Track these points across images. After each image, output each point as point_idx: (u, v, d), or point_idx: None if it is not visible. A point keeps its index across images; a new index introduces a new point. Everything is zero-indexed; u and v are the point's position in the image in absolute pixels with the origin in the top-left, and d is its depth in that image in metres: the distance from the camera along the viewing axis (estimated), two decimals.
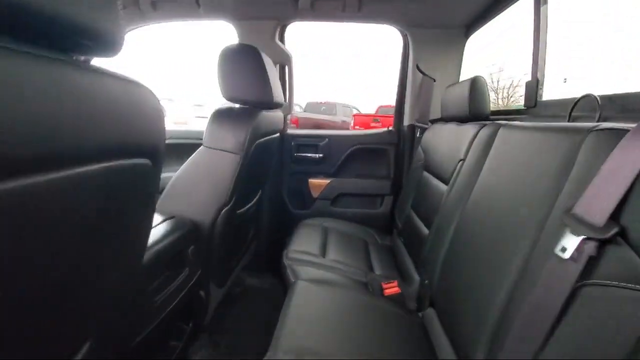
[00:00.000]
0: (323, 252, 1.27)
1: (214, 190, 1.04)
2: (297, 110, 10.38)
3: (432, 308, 0.96)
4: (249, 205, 1.31)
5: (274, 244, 1.77)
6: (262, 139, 1.17)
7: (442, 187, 1.11)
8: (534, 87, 1.09)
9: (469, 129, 1.04)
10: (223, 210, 1.04)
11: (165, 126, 0.54)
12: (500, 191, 0.75)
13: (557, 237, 0.50)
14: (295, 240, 1.35)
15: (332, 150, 1.80)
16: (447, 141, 1.21)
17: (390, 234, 1.63)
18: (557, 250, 0.48)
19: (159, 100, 0.50)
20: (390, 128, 1.80)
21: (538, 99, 1.08)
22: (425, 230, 1.17)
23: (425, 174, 1.34)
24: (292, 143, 1.79)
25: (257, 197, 1.43)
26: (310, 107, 10.21)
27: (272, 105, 1.16)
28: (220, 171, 1.03)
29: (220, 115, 1.05)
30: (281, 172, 1.79)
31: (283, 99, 1.30)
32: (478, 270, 0.73)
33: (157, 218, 0.97)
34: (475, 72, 1.68)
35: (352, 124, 9.02)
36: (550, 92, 1.08)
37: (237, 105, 1.13)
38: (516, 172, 0.72)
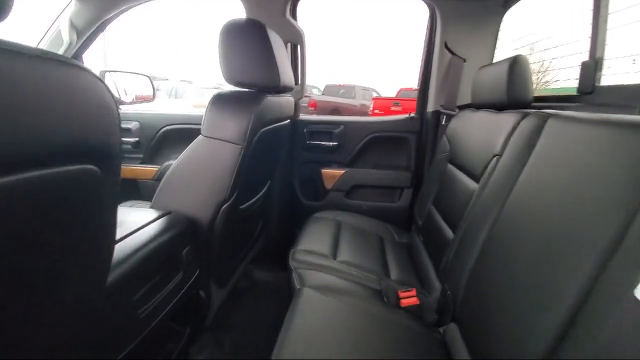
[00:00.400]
0: (334, 252, 1.16)
1: (213, 184, 0.94)
2: (316, 93, 10.17)
3: (454, 323, 0.84)
4: (255, 198, 1.21)
5: (284, 236, 1.68)
6: (269, 127, 1.05)
7: (471, 184, 0.97)
8: (591, 69, 0.91)
9: (507, 118, 0.88)
10: (223, 207, 0.94)
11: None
12: (549, 198, 0.61)
13: (635, 270, 0.36)
14: (305, 236, 1.25)
15: (348, 138, 1.66)
16: (479, 131, 1.05)
17: (408, 231, 1.50)
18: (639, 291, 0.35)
19: (107, 89, 0.39)
20: (412, 114, 1.64)
21: (595, 84, 0.90)
22: (449, 232, 1.03)
23: (451, 167, 1.19)
24: (305, 130, 1.66)
25: (265, 188, 1.33)
26: (329, 89, 9.97)
27: (280, 89, 1.04)
28: (220, 164, 0.92)
29: (220, 101, 0.93)
30: (292, 160, 1.68)
31: (293, 82, 1.17)
32: (515, 290, 0.60)
33: (151, 214, 0.89)
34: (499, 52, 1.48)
35: (371, 108, 8.73)
36: (611, 77, 0.90)
37: (240, 89, 1.01)
38: (572, 176, 0.57)
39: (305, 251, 1.12)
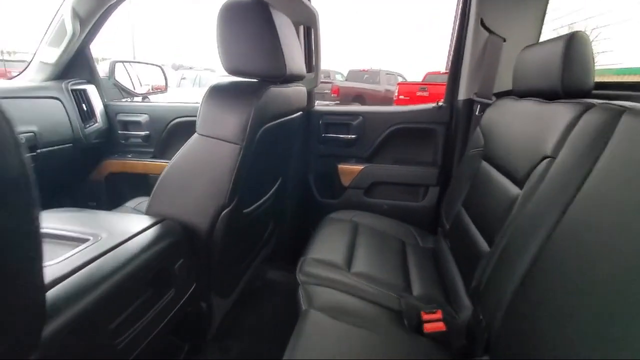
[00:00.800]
0: (349, 261, 1.04)
1: (211, 189, 0.83)
2: (339, 78, 9.90)
3: (488, 356, 0.71)
4: (262, 200, 1.10)
5: (298, 235, 1.58)
6: (274, 122, 0.93)
7: (512, 189, 0.81)
8: None
9: (562, 110, 0.71)
10: (222, 213, 0.84)
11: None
12: (627, 217, 0.46)
13: None
14: (317, 242, 1.13)
15: (367, 131, 1.51)
16: (522, 125, 0.88)
17: (434, 234, 1.35)
18: None
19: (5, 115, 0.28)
20: (441, 103, 1.46)
21: None
22: (483, 242, 0.88)
23: (485, 165, 1.03)
24: (320, 121, 1.53)
25: (275, 187, 1.22)
26: (352, 75, 9.67)
27: (288, 79, 0.91)
28: (217, 165, 0.82)
29: (216, 94, 0.82)
30: (307, 154, 1.55)
31: (304, 70, 1.04)
32: (575, 329, 0.46)
33: (142, 222, 0.80)
34: None
35: (396, 94, 8.38)
36: None
37: (239, 80, 0.89)
38: None
39: (316, 261, 1.00)
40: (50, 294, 0.53)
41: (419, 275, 1.05)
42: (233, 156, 0.80)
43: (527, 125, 0.85)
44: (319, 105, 1.59)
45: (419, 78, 9.00)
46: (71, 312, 0.53)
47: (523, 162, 0.79)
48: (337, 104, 8.67)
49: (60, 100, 1.50)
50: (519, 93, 1.00)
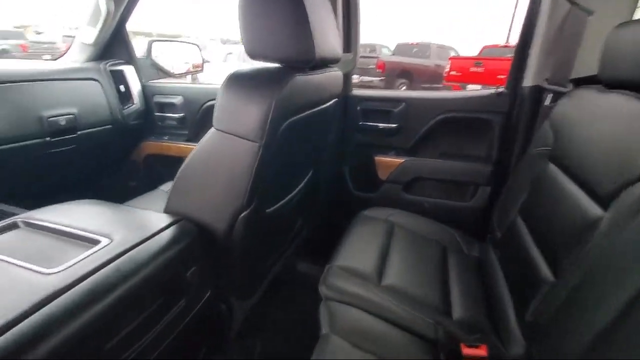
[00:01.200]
0: (380, 270, 0.93)
1: (228, 189, 0.76)
2: (386, 53, 9.37)
3: None
4: (289, 197, 1.02)
5: (330, 228, 1.50)
6: (301, 114, 0.82)
7: (593, 208, 0.64)
8: None
9: None
10: (240, 216, 0.77)
11: None
12: None
13: None
14: (347, 245, 1.04)
15: (411, 119, 1.35)
16: (611, 126, 0.69)
17: (481, 241, 1.19)
18: None
19: None
20: (501, 88, 1.25)
21: None
22: (545, 267, 0.73)
23: (553, 169, 0.85)
24: (358, 108, 1.39)
25: (305, 179, 1.13)
26: (401, 49, 9.10)
27: (318, 63, 0.79)
28: (234, 165, 0.74)
29: (233, 84, 0.73)
30: (342, 143, 1.43)
31: (339, 52, 0.91)
32: None
33: (160, 221, 0.75)
34: None
35: (447, 69, 7.76)
36: None
37: (261, 67, 0.79)
38: None
39: (343, 270, 0.91)
40: (46, 310, 0.50)
41: (461, 292, 0.92)
42: (251, 155, 0.72)
43: (618, 127, 0.67)
44: (361, 84, 1.44)
45: (474, 53, 8.24)
46: (65, 332, 0.49)
47: (610, 176, 0.62)
48: (381, 80, 8.26)
49: (98, 82, 1.50)
50: (609, 82, 0.79)
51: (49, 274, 0.56)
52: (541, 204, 0.86)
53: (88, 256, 0.61)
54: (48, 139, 1.31)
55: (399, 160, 1.35)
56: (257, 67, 0.79)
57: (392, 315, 0.78)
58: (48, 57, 1.61)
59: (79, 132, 1.42)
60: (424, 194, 1.36)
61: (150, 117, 1.72)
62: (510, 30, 10.93)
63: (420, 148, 1.37)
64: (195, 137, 1.67)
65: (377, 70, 8.21)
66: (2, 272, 0.56)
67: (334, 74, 0.97)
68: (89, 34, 1.53)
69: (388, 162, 1.36)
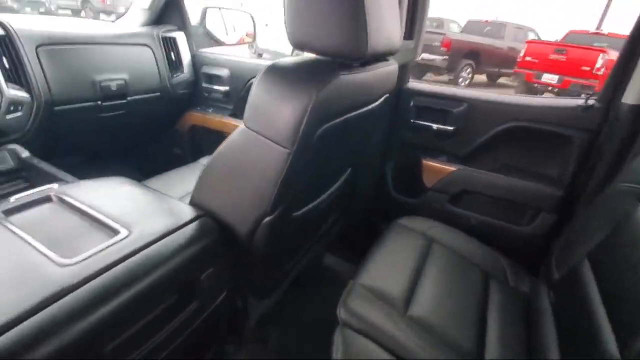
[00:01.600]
0: (409, 295, 0.85)
1: (252, 192, 0.71)
2: (454, 29, 8.59)
3: None
4: (323, 197, 0.95)
5: (364, 228, 1.42)
6: (343, 117, 0.73)
7: None
8: None
9: None
10: (264, 221, 0.72)
11: None
12: None
13: None
14: (375, 259, 0.95)
15: (471, 123, 1.18)
16: None
17: (533, 275, 1.04)
18: None
19: None
20: (590, 98, 1.03)
21: None
22: (610, 341, 0.60)
23: None
24: (412, 103, 1.24)
25: (342, 179, 1.05)
26: (471, 26, 8.28)
27: (370, 58, 0.68)
28: (261, 168, 0.68)
29: (269, 78, 0.64)
30: (389, 138, 1.31)
31: (397, 43, 0.78)
32: None
33: (183, 214, 0.73)
34: None
35: (521, 54, 6.93)
36: None
37: (303, 60, 0.70)
38: None
39: (366, 289, 0.84)
40: (53, 308, 0.49)
41: (500, 335, 0.81)
42: (280, 161, 0.64)
43: None
44: (422, 62, 1.28)
45: (558, 38, 7.24)
46: (71, 332, 0.48)
47: None
48: (444, 59, 7.62)
49: (150, 48, 1.50)
50: None
51: (64, 265, 0.55)
52: (620, 255, 0.71)
53: (104, 249, 0.59)
54: (99, 102, 1.34)
55: (450, 167, 1.21)
56: (298, 60, 0.70)
57: (415, 357, 0.70)
58: (113, 17, 1.62)
59: (128, 98, 1.44)
60: (473, 209, 1.21)
61: (197, 88, 1.71)
62: (604, 15, 9.39)
63: (477, 157, 1.21)
64: (239, 112, 1.64)
65: (442, 49, 7.57)
66: (19, 257, 0.56)
67: (387, 69, 0.85)
68: (143, 1, 1.51)
69: (437, 167, 1.22)
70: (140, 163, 1.94)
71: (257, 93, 0.65)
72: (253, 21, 1.86)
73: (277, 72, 0.65)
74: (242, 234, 0.75)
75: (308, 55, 0.71)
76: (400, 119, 1.26)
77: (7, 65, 1.07)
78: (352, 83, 0.68)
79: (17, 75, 1.09)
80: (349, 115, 0.74)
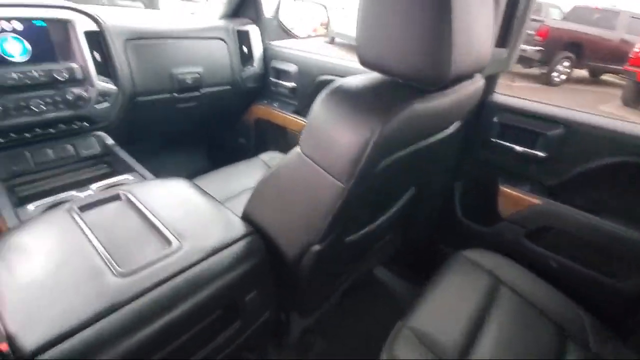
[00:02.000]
0: (464, 350, 0.76)
1: (303, 219, 0.67)
2: (554, 16, 7.49)
3: None
4: (379, 222, 0.88)
5: (426, 246, 1.33)
6: (411, 148, 0.65)
7: None
8: None
9: None
10: (312, 249, 0.68)
11: None
12: None
13: None
14: (430, 297, 0.87)
15: (569, 149, 0.99)
16: None
17: (621, 338, 0.87)
18: None
19: None
20: None
21: None
22: None
23: None
24: (495, 119, 1.08)
25: (403, 201, 0.96)
26: (577, 13, 7.14)
27: (454, 80, 0.58)
28: (313, 198, 0.63)
29: (330, 101, 0.58)
30: (463, 154, 1.17)
31: (487, 57, 0.66)
32: None
33: (233, 229, 0.72)
34: None
35: (636, 49, 5.79)
36: None
37: (370, 80, 0.62)
38: None
39: (416, 335, 0.76)
40: (103, 323, 0.51)
41: None
42: (333, 195, 0.59)
43: None
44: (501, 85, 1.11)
45: None
46: (116, 349, 0.50)
47: None
48: (538, 51, 6.71)
49: (225, 42, 1.52)
50: None
51: (120, 274, 0.58)
52: None
53: (157, 261, 0.61)
54: (175, 94, 1.41)
55: (533, 199, 1.04)
56: (369, 79, 0.63)
57: None
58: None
59: (201, 90, 1.49)
60: (554, 249, 1.04)
61: (266, 82, 1.71)
62: None
63: (569, 190, 1.02)
64: (303, 110, 1.61)
65: (536, 38, 6.66)
66: (83, 260, 0.60)
67: (471, 89, 0.73)
68: None
69: (517, 196, 1.06)
70: (207, 149, 2.04)
71: (316, 116, 0.60)
72: (327, 12, 1.80)
73: (340, 95, 0.59)
74: (289, 256, 0.72)
75: (379, 75, 0.63)
76: (479, 134, 1.11)
77: (98, 59, 1.16)
78: (426, 111, 0.59)
79: (106, 68, 1.19)
80: (418, 145, 0.65)
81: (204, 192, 0.85)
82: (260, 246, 0.72)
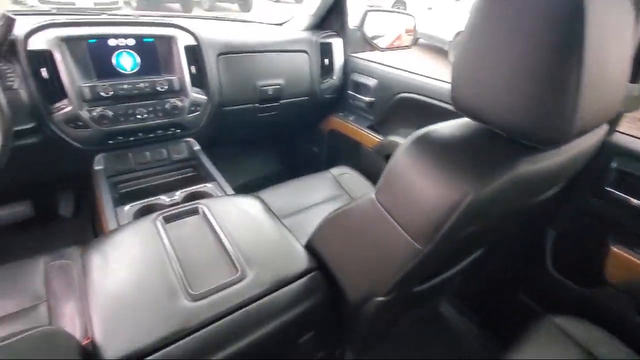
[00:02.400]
0: None
1: (368, 269, 0.63)
2: None
3: None
4: (451, 272, 0.80)
5: (497, 291, 1.19)
6: (502, 215, 0.56)
7: None
8: None
9: None
10: (373, 300, 0.64)
11: None
12: None
13: None
14: None
15: None
16: None
17: None
18: None
19: None
20: None
21: None
22: None
23: None
24: (613, 164, 0.90)
25: (480, 251, 0.86)
26: None
27: (577, 133, 0.46)
28: (385, 251, 0.58)
29: (418, 150, 0.51)
30: (561, 199, 1.00)
31: (618, 102, 0.52)
32: None
33: (297, 262, 0.72)
34: None
35: None
36: None
37: (466, 130, 0.54)
38: None
39: None
40: (170, 349, 0.54)
41: None
42: (407, 255, 0.54)
43: None
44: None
45: None
46: None
47: None
48: None
49: (307, 54, 1.54)
50: None
51: (190, 297, 0.61)
52: None
53: (222, 289, 0.63)
54: (257, 105, 1.47)
55: None
56: (465, 126, 0.55)
57: None
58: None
59: (281, 101, 1.53)
60: None
61: (344, 94, 1.69)
62: None
63: None
64: (379, 126, 1.56)
65: None
66: (163, 279, 0.64)
67: (593, 139, 0.60)
68: (312, 4, 1.53)
69: (632, 262, 0.87)
70: (282, 154, 2.10)
71: (397, 164, 0.53)
72: (414, 24, 1.70)
73: (428, 145, 0.52)
74: (350, 300, 0.69)
75: (476, 123, 0.55)
76: (587, 180, 0.94)
77: (194, 72, 1.26)
78: (535, 173, 0.50)
79: (199, 80, 1.28)
80: (513, 208, 0.56)
81: (273, 215, 0.86)
82: (321, 284, 0.70)
